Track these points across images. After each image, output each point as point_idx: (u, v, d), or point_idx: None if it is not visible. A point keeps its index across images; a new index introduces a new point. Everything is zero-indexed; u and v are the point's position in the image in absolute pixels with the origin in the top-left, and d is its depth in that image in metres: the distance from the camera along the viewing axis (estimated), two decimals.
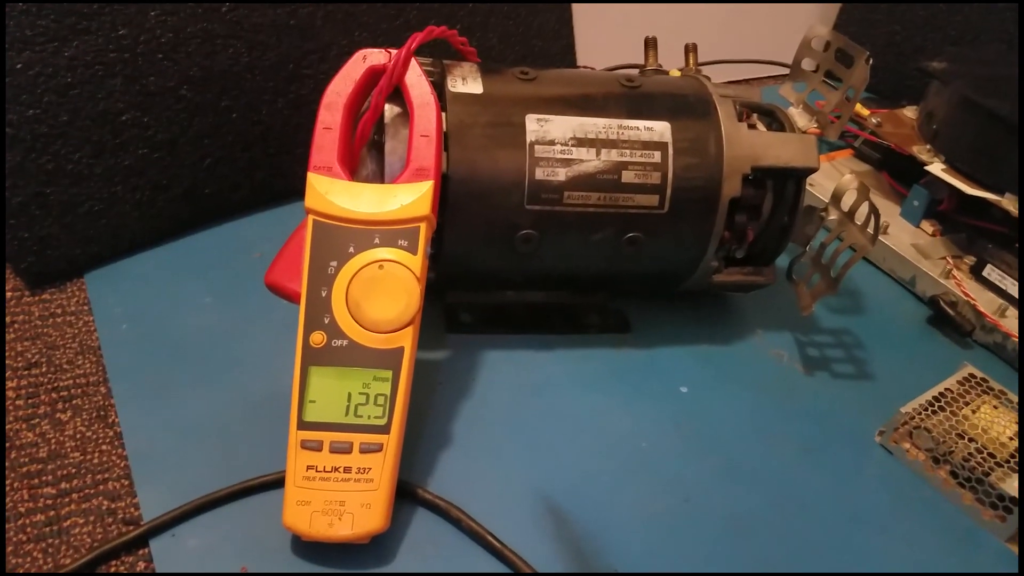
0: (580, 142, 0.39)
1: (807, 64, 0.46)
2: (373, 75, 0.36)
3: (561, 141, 0.38)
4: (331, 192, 0.34)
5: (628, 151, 0.39)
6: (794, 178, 0.42)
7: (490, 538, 0.33)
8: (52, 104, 0.42)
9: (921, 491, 0.39)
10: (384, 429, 0.32)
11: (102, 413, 0.38)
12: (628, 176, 0.39)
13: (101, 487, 0.35)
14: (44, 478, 0.35)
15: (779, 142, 0.41)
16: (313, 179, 0.34)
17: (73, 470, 0.35)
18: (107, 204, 0.45)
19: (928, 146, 0.53)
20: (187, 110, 0.46)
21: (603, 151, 0.39)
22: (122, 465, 0.36)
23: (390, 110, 0.37)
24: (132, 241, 0.47)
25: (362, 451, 0.32)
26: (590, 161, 0.39)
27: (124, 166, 0.45)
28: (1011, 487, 0.37)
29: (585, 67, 0.68)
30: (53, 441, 0.37)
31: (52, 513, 0.34)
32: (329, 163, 0.35)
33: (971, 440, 0.39)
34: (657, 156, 0.39)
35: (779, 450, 0.40)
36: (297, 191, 0.52)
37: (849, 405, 0.43)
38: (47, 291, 0.45)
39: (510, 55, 0.59)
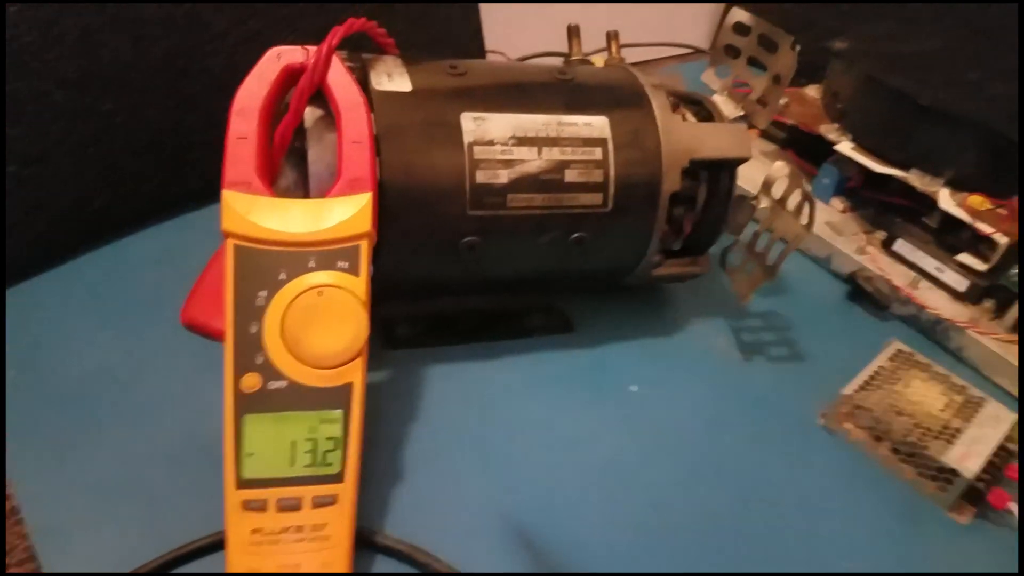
0: (520, 141, 0.34)
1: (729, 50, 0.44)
2: (290, 75, 0.31)
3: (500, 141, 0.34)
4: (253, 211, 0.29)
5: (570, 149, 0.35)
6: (727, 168, 0.39)
7: None
8: None
9: (866, 469, 0.38)
10: (337, 477, 0.28)
11: None
12: (571, 175, 0.35)
13: None
14: None
15: (714, 133, 0.39)
16: (230, 198, 0.29)
17: None
18: None
19: (835, 125, 0.52)
20: (64, 117, 0.38)
21: (544, 150, 0.35)
22: (22, 547, 0.29)
23: (311, 113, 0.32)
24: (10, 271, 0.39)
25: (315, 505, 0.27)
26: (532, 161, 0.35)
27: None
28: (949, 458, 0.36)
29: (496, 51, 0.64)
30: None
31: None
32: (247, 178, 0.29)
33: (908, 416, 0.38)
34: (598, 153, 0.36)
35: (732, 442, 0.38)
36: (195, 197, 0.46)
37: (788, 388, 0.41)
38: None
39: (419, 39, 0.54)
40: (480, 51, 0.60)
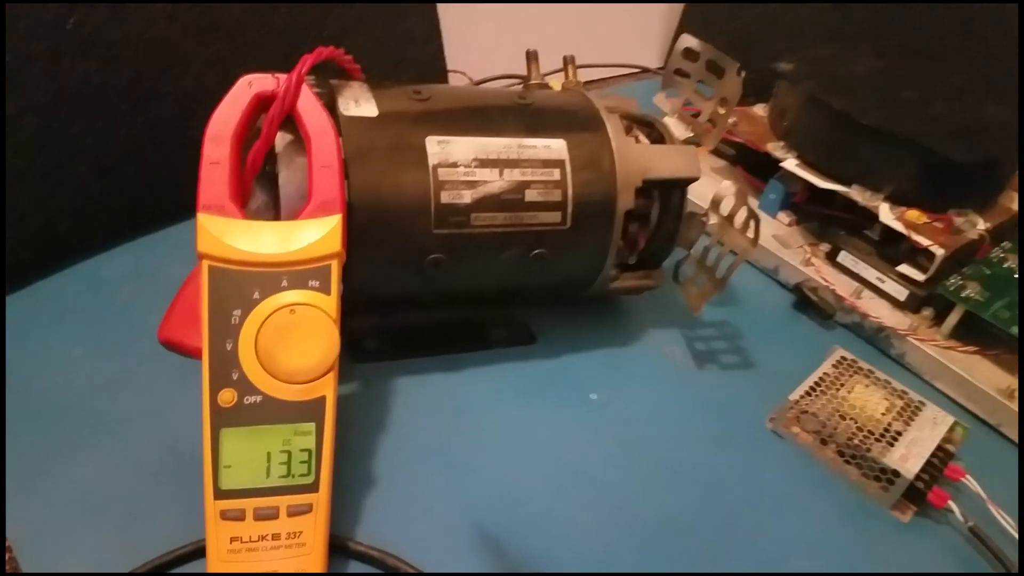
0: (483, 163, 0.36)
1: (680, 73, 0.46)
2: (261, 102, 0.32)
3: (464, 163, 0.36)
4: (227, 234, 0.30)
5: (530, 170, 0.37)
6: (678, 187, 0.42)
7: None
8: None
9: (814, 471, 0.40)
10: (312, 487, 0.29)
11: None
12: (531, 195, 0.37)
13: None
14: None
15: (665, 154, 0.41)
16: (204, 221, 0.30)
17: None
18: None
19: (781, 143, 0.55)
20: (34, 139, 0.39)
21: (506, 171, 0.36)
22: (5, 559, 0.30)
23: (281, 138, 0.33)
24: None
25: (290, 514, 0.28)
26: (494, 182, 0.36)
27: None
28: (891, 459, 0.38)
29: (457, 71, 0.66)
30: None
31: None
32: (220, 201, 0.30)
33: (851, 419, 0.41)
34: (557, 174, 0.38)
35: (688, 445, 0.40)
36: (164, 216, 0.46)
37: (740, 393, 0.43)
38: None
39: (383, 61, 0.56)
40: (442, 71, 0.61)
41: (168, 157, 0.45)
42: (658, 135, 0.43)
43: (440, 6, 0.59)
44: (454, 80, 0.66)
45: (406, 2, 0.56)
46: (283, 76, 0.32)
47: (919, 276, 0.48)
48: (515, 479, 0.36)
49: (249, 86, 0.32)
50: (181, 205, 0.42)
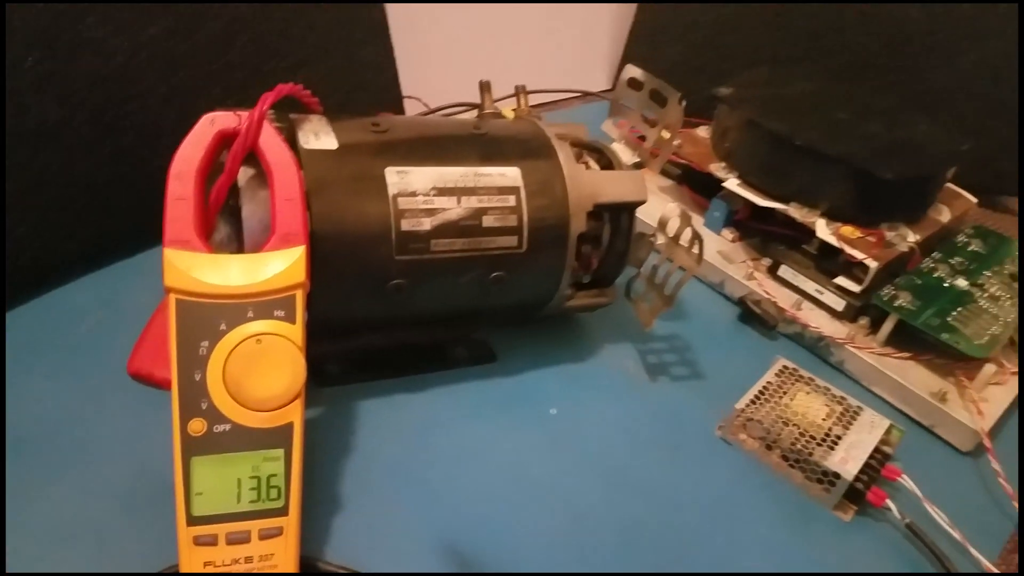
0: (441, 191, 0.38)
1: (626, 101, 0.48)
2: (224, 139, 0.33)
3: (423, 192, 0.37)
4: (193, 268, 0.31)
5: (486, 197, 0.39)
6: (627, 210, 0.44)
7: None
8: None
9: (760, 475, 0.42)
10: (282, 511, 0.30)
11: None
12: (489, 221, 0.39)
13: None
14: None
15: (614, 180, 0.43)
16: (171, 255, 0.31)
17: None
18: None
19: (723, 163, 0.57)
20: None
21: (463, 199, 0.38)
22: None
23: (244, 172, 0.34)
24: None
25: (262, 537, 0.29)
26: (452, 209, 0.38)
27: None
28: (831, 462, 0.41)
29: (412, 97, 0.67)
30: None
31: None
32: (186, 236, 0.31)
33: (794, 425, 0.43)
34: (512, 200, 0.39)
35: (643, 455, 0.42)
36: (129, 247, 0.47)
37: (691, 404, 0.46)
38: None
39: (340, 89, 0.57)
40: (397, 98, 0.63)
41: (132, 188, 0.46)
42: (607, 161, 0.45)
43: (394, 34, 0.60)
44: (410, 105, 0.67)
45: (362, 13, 0.57)
46: (245, 113, 0.33)
47: (855, 287, 0.50)
48: (479, 495, 0.38)
49: (212, 123, 0.33)
50: (146, 234, 0.43)
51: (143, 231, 0.44)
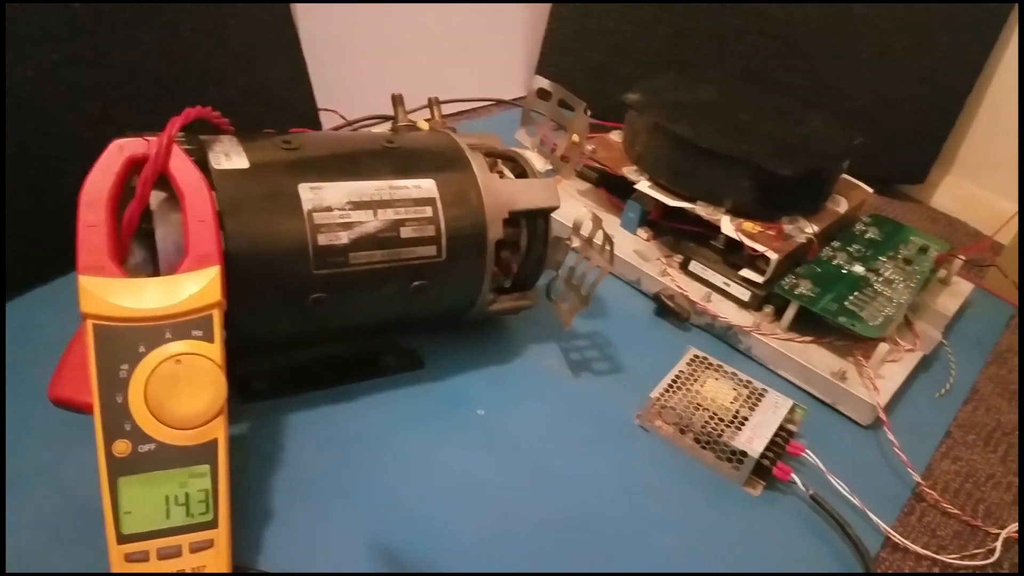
0: (356, 205, 0.39)
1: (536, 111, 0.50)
2: (133, 164, 0.33)
3: (338, 206, 0.38)
4: (110, 293, 0.31)
5: (403, 209, 0.40)
6: (542, 216, 0.45)
7: None
8: None
9: (676, 458, 0.44)
10: (211, 524, 0.30)
11: None
12: (406, 232, 0.40)
13: None
14: None
15: (527, 188, 0.44)
16: (86, 282, 0.31)
17: None
18: None
19: (635, 166, 0.60)
20: None
21: (379, 211, 0.39)
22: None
23: (156, 196, 0.34)
24: None
25: (193, 550, 0.30)
26: (369, 222, 0.39)
27: None
28: (739, 442, 0.43)
29: (329, 109, 0.68)
30: None
31: None
32: (100, 262, 0.31)
33: (704, 410, 0.46)
34: (429, 211, 0.41)
35: (568, 447, 0.44)
36: (44, 274, 0.46)
37: (612, 396, 0.48)
38: None
39: (254, 106, 0.57)
40: (313, 112, 0.63)
41: (44, 215, 0.45)
42: (521, 169, 0.46)
43: (308, 48, 0.61)
44: (326, 118, 0.68)
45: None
46: (154, 138, 0.33)
47: (759, 279, 0.54)
48: (411, 499, 0.39)
49: (120, 150, 0.33)
50: (61, 260, 0.42)
51: (57, 259, 0.44)
